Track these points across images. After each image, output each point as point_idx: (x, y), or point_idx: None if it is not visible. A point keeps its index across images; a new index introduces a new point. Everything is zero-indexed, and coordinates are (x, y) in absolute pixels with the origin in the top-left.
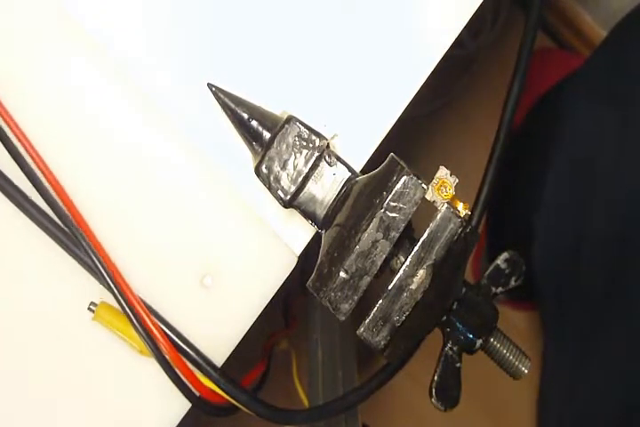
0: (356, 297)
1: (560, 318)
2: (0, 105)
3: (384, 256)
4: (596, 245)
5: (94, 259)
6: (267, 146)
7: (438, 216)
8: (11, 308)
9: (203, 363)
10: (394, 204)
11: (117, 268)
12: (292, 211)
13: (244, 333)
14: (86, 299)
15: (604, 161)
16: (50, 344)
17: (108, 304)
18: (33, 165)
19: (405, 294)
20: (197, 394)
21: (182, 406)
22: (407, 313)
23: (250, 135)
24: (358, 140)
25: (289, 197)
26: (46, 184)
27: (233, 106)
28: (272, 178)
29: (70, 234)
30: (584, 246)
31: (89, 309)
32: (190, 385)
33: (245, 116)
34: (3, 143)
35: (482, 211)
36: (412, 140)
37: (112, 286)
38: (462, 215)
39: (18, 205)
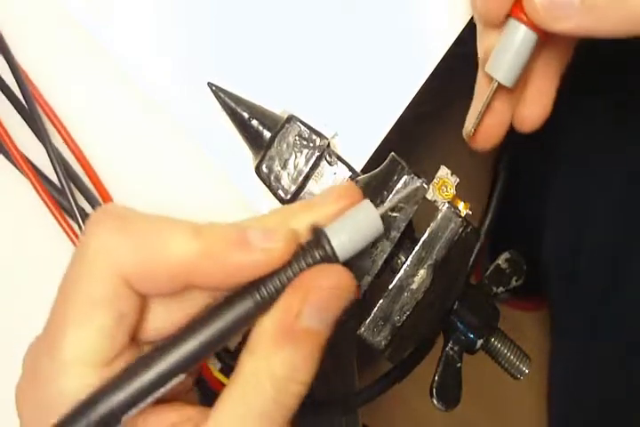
0: None
1: (563, 317)
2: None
3: (385, 256)
4: (598, 242)
5: None
6: (267, 145)
7: (439, 216)
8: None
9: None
10: None
11: None
12: None
13: None
14: None
15: (601, 155)
16: None
17: None
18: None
19: (406, 294)
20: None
21: None
22: (408, 313)
23: (250, 135)
24: (359, 140)
25: (289, 196)
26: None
27: (233, 105)
28: (272, 177)
29: None
30: (586, 245)
31: None
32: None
33: (246, 115)
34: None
35: (492, 219)
36: (412, 139)
37: None
38: (463, 215)
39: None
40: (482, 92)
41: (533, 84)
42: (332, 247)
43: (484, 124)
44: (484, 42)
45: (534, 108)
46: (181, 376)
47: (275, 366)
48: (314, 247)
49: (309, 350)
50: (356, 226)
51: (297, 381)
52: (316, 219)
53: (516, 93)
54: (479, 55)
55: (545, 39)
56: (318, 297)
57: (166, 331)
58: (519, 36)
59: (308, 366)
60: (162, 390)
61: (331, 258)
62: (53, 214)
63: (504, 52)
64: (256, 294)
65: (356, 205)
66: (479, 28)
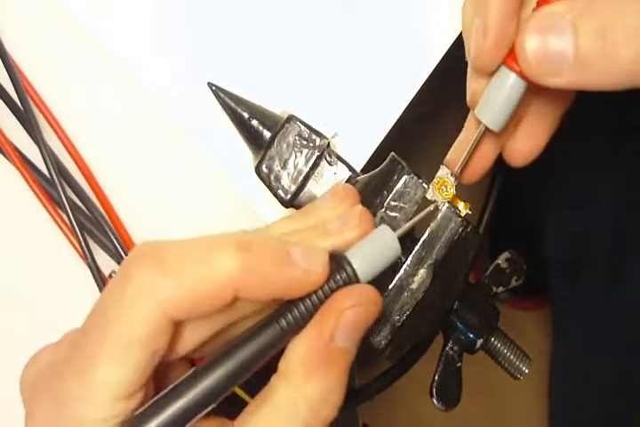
0: None
1: (564, 317)
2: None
3: None
4: (599, 242)
5: (114, 239)
6: (267, 145)
7: (439, 216)
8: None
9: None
10: (394, 203)
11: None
12: (292, 210)
13: None
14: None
15: (603, 157)
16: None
17: None
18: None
19: (406, 294)
20: None
21: None
22: (408, 313)
23: (250, 135)
24: (359, 140)
25: (289, 196)
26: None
27: (233, 105)
28: (272, 177)
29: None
30: (587, 246)
31: (110, 276)
32: None
33: (246, 115)
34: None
35: (490, 215)
36: (412, 139)
37: None
38: (463, 215)
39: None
40: (471, 128)
41: (527, 122)
42: (355, 274)
43: (471, 161)
44: (473, 83)
45: (526, 144)
46: (212, 406)
47: (310, 389)
48: (337, 273)
49: (342, 370)
50: (375, 251)
51: (330, 404)
52: (338, 244)
53: (508, 129)
54: (467, 94)
55: (536, 87)
56: (350, 319)
57: (192, 350)
58: (509, 84)
59: (340, 387)
60: (193, 421)
61: (353, 282)
62: (47, 209)
63: (494, 98)
64: (282, 320)
65: (374, 231)
66: (470, 68)
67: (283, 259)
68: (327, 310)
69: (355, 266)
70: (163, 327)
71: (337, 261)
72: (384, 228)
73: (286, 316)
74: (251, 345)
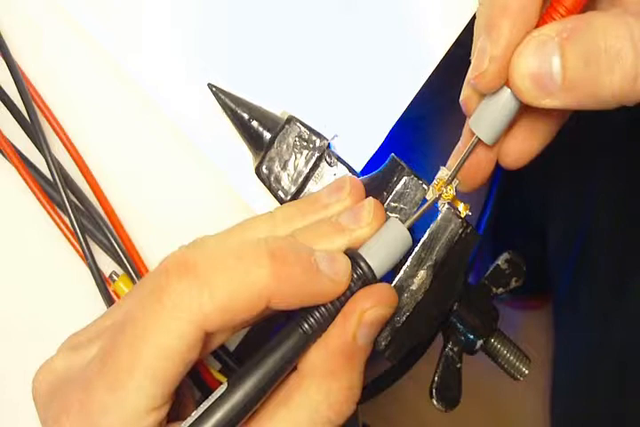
0: None
1: (567, 317)
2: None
3: None
4: (603, 243)
5: (113, 241)
6: (267, 146)
7: (439, 217)
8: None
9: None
10: (394, 204)
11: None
12: None
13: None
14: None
15: (604, 157)
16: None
17: (128, 277)
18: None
19: (406, 295)
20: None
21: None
22: (408, 314)
23: (250, 136)
24: (359, 141)
25: (289, 197)
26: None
27: (233, 106)
28: (272, 178)
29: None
30: (591, 247)
31: (110, 277)
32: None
33: (246, 116)
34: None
35: (490, 216)
36: (412, 140)
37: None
38: (463, 216)
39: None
40: (467, 135)
41: (524, 126)
42: (372, 273)
43: (466, 169)
44: (468, 90)
45: (519, 147)
46: (248, 415)
47: (335, 387)
48: (354, 273)
49: (361, 367)
50: (388, 246)
51: (351, 400)
52: (353, 241)
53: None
54: (461, 99)
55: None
56: (371, 319)
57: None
58: (504, 100)
59: (360, 383)
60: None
61: (370, 280)
62: (47, 210)
63: (488, 113)
64: (305, 324)
65: (384, 226)
66: (467, 81)
67: (312, 268)
68: (349, 312)
69: (371, 264)
70: (198, 341)
71: (352, 259)
72: (394, 221)
73: (308, 320)
74: (278, 353)
